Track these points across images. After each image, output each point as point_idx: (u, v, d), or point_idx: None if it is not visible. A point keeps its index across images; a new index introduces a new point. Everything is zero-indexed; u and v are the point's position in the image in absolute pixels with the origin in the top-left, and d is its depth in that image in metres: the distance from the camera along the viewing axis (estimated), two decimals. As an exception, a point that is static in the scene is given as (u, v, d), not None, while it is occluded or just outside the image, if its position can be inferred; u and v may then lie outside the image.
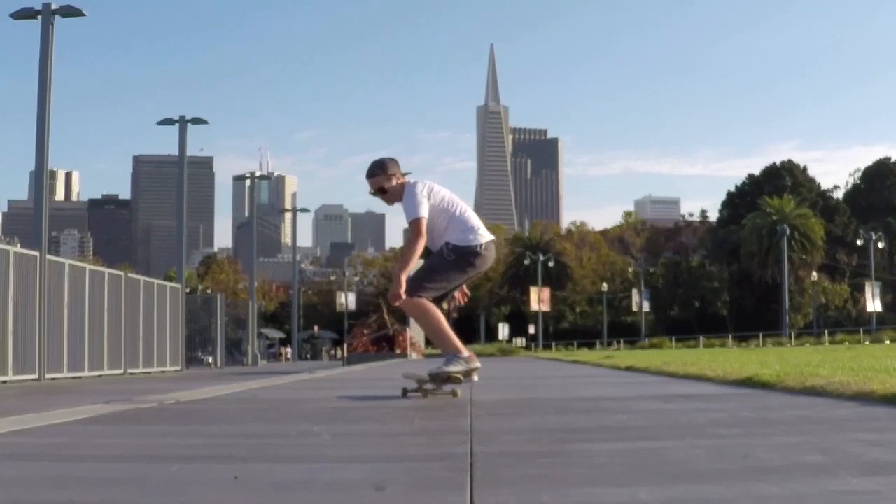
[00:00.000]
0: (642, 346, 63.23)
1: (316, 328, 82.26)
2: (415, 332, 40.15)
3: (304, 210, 59.09)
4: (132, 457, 3.58)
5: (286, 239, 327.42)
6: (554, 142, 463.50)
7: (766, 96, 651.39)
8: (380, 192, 6.89)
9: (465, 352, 6.81)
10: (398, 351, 37.56)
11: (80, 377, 17.64)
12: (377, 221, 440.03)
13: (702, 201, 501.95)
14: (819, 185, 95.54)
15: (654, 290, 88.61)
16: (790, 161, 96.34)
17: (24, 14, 21.18)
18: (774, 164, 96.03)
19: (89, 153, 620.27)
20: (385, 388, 9.83)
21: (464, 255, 6.84)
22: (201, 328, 32.40)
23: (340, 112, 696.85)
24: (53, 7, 20.78)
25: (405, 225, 6.84)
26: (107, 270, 21.13)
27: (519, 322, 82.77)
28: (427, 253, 7.02)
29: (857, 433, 3.88)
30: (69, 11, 21.11)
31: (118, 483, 2.89)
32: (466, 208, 7.00)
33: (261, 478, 2.90)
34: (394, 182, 6.89)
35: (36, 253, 17.01)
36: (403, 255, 6.84)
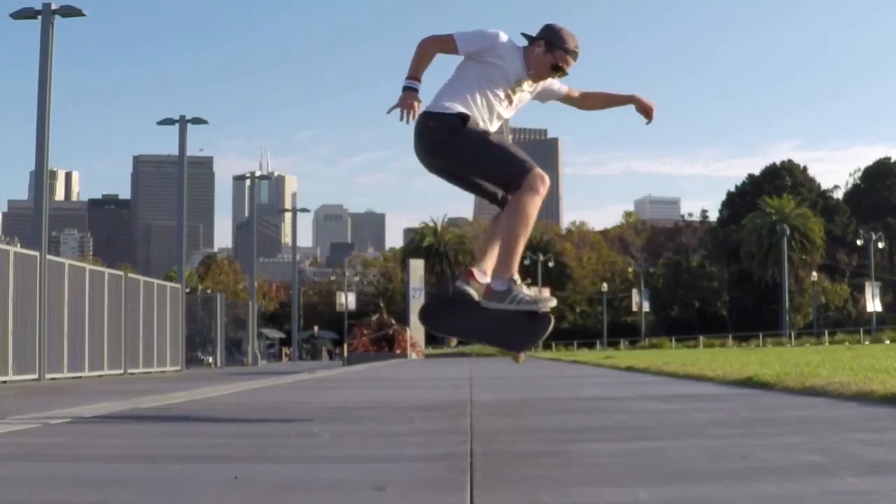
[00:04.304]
0: (642, 346, 63.21)
1: (316, 328, 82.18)
2: (414, 332, 40.15)
3: (304, 210, 59.08)
4: (132, 457, 3.58)
5: (286, 239, 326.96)
6: (554, 142, 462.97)
7: (766, 96, 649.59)
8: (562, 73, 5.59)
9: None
10: (398, 351, 37.63)
11: (80, 377, 17.63)
12: (377, 221, 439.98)
13: (702, 201, 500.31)
14: (819, 185, 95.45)
15: (654, 290, 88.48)
16: (790, 161, 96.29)
17: (24, 14, 21.16)
18: (774, 164, 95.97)
19: (89, 153, 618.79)
20: (385, 389, 9.85)
21: None
22: (201, 328, 32.39)
23: (340, 112, 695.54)
24: (53, 7, 20.77)
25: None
26: (107, 270, 21.13)
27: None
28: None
29: (857, 433, 3.88)
30: (69, 11, 21.10)
31: (118, 483, 2.89)
32: None
33: (261, 478, 2.90)
34: None
35: (36, 253, 17.01)
36: None
